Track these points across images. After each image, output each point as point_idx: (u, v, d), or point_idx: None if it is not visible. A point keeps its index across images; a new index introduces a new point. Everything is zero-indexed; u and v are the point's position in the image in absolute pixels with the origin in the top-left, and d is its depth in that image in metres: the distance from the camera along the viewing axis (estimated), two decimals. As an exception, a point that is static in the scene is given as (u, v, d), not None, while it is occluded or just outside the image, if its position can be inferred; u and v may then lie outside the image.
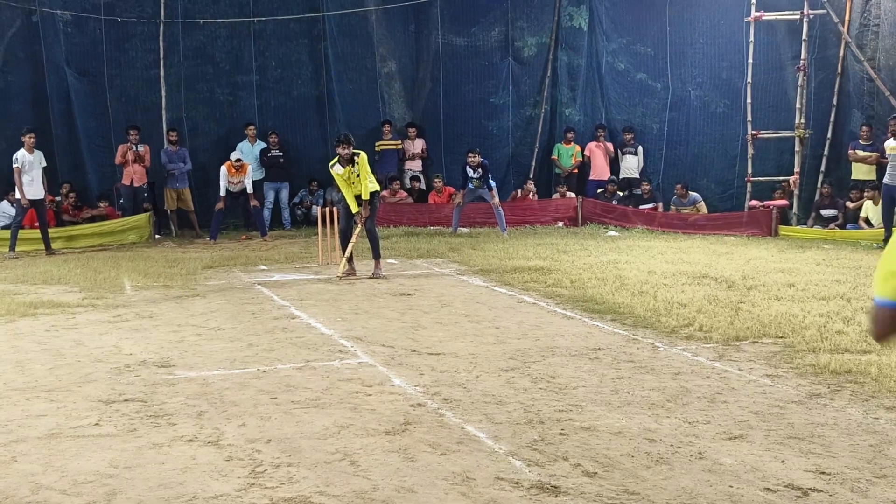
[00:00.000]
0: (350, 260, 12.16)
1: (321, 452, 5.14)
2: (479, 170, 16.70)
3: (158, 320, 9.16)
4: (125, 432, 5.55)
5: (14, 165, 15.04)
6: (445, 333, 8.40)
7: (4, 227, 16.42)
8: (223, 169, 16.91)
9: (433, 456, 5.07)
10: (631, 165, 19.29)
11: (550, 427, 5.55)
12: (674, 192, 18.12)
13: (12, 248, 14.92)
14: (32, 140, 15.28)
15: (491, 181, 16.84)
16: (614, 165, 19.50)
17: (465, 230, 17.21)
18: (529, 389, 6.40)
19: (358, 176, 11.92)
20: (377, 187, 12.40)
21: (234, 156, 17.23)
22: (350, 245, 12.06)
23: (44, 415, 5.93)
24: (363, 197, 11.99)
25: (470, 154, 16.84)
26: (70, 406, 6.12)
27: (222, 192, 16.91)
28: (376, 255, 12.17)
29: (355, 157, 11.90)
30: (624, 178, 19.21)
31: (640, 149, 19.31)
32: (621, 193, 18.94)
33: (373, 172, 17.76)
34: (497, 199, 16.89)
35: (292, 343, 8.04)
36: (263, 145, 18.63)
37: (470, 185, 16.91)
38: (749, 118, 17.93)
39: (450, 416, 5.79)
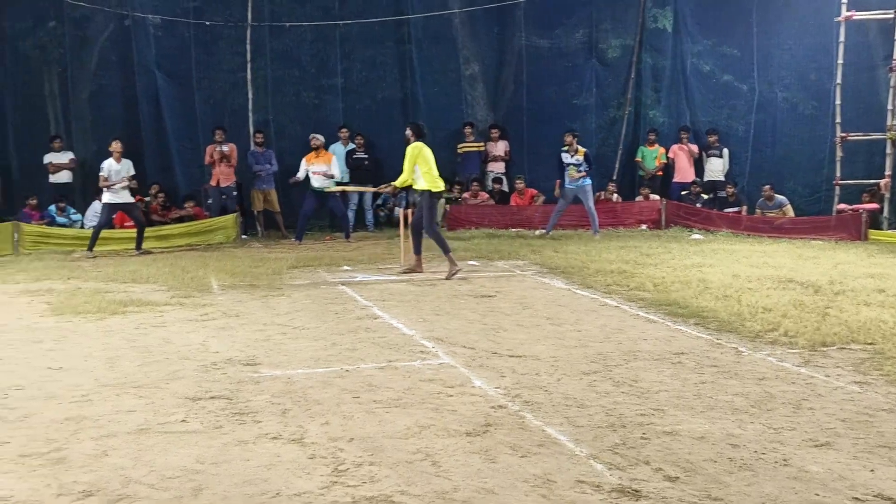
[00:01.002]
0: (418, 252, 12.58)
1: (402, 452, 5.18)
2: (583, 159, 16.64)
3: (244, 319, 9.31)
4: (211, 429, 5.66)
5: (101, 174, 15.37)
6: (527, 336, 8.40)
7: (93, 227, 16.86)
8: (303, 160, 17.15)
9: (514, 458, 5.08)
10: (715, 168, 19.07)
11: (632, 431, 5.52)
12: (760, 195, 17.86)
13: (90, 247, 15.25)
14: (120, 148, 15.59)
15: (588, 181, 16.77)
16: (698, 168, 19.29)
17: (539, 233, 17.13)
18: (611, 393, 6.37)
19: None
20: (433, 188, 12.51)
21: (312, 136, 17.38)
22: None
23: (133, 410, 6.06)
24: (397, 185, 12.87)
25: (567, 136, 16.78)
26: (158, 402, 6.25)
27: (300, 175, 17.17)
28: (445, 252, 12.27)
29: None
30: (708, 181, 18.99)
31: (726, 151, 19.07)
32: (706, 196, 18.71)
33: (455, 174, 17.95)
34: (592, 203, 16.85)
35: (375, 343, 8.11)
36: (353, 146, 18.82)
37: (566, 183, 16.81)
38: (838, 120, 17.62)
39: (531, 418, 5.80)
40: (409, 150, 12.35)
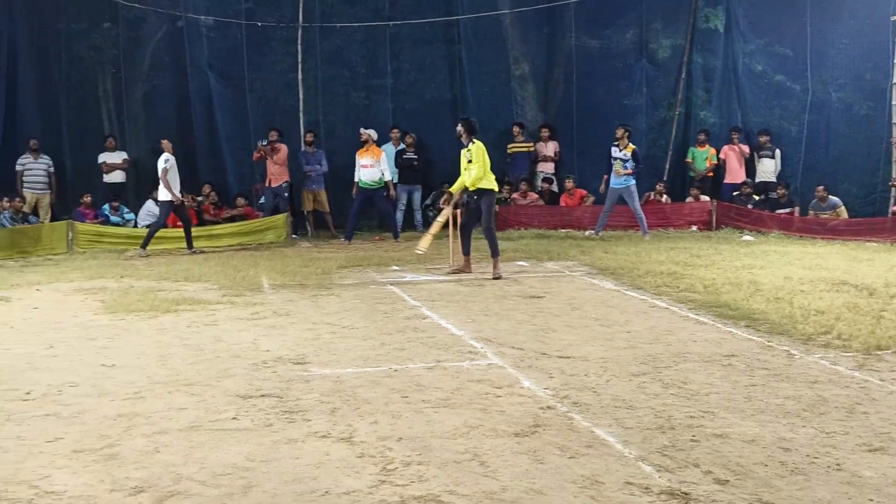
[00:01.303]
0: (467, 252, 12.55)
1: (451, 452, 5.19)
2: (630, 156, 16.56)
3: (294, 318, 9.37)
4: (262, 427, 5.70)
5: (164, 166, 15.53)
6: (576, 337, 8.38)
7: (147, 226, 17.06)
8: (356, 157, 17.24)
9: (562, 459, 5.07)
10: (767, 169, 18.85)
11: (681, 433, 5.49)
12: (813, 196, 17.65)
13: (144, 245, 15.40)
14: (170, 144, 15.83)
15: (633, 181, 16.69)
16: (750, 169, 19.09)
17: (588, 233, 17.08)
18: (660, 395, 6.34)
19: (469, 162, 12.20)
20: (496, 187, 12.58)
21: (361, 130, 17.47)
22: (431, 234, 12.71)
23: (185, 408, 6.13)
24: (467, 184, 12.32)
25: (618, 129, 16.73)
26: (209, 400, 6.32)
27: (356, 178, 17.23)
28: (494, 255, 12.25)
29: (471, 144, 12.31)
30: (760, 182, 18.79)
31: (778, 152, 18.85)
32: (757, 197, 18.53)
33: (504, 174, 17.92)
34: (638, 204, 16.77)
35: (423, 343, 8.13)
36: (403, 147, 18.88)
37: (612, 181, 16.74)
38: (894, 120, 17.36)
39: (579, 419, 5.78)
40: (478, 148, 12.26)
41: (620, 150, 16.65)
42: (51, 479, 4.83)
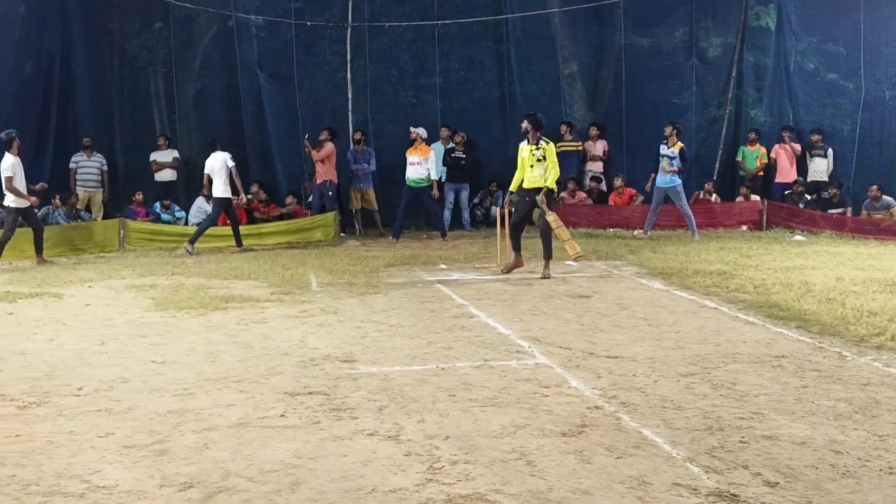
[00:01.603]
0: (518, 249, 12.36)
1: (497, 451, 5.19)
2: (677, 153, 16.46)
3: (342, 316, 9.41)
4: (309, 424, 5.73)
5: (232, 164, 15.73)
6: (624, 336, 8.34)
7: (198, 224, 17.23)
8: (406, 155, 17.32)
9: (609, 459, 5.05)
10: (819, 168, 18.60)
11: (730, 434, 5.45)
12: (865, 196, 17.43)
13: (193, 241, 15.48)
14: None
15: (678, 177, 16.57)
16: (802, 168, 18.87)
17: (637, 233, 17.00)
18: (709, 395, 6.29)
19: (539, 161, 12.10)
20: (556, 188, 12.46)
21: (413, 128, 17.54)
22: (561, 231, 12.31)
23: (233, 405, 6.18)
24: (549, 184, 12.15)
25: (667, 127, 16.64)
26: (258, 397, 6.36)
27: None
28: (547, 256, 12.20)
29: (541, 142, 12.16)
30: (812, 182, 18.56)
31: (830, 151, 18.60)
32: (808, 196, 18.32)
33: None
34: (685, 204, 16.65)
35: (470, 342, 8.13)
36: (452, 145, 18.88)
37: (658, 180, 16.65)
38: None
39: (627, 419, 5.76)
40: (552, 147, 12.18)
41: (668, 148, 16.55)
42: (102, 474, 4.89)
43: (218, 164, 15.71)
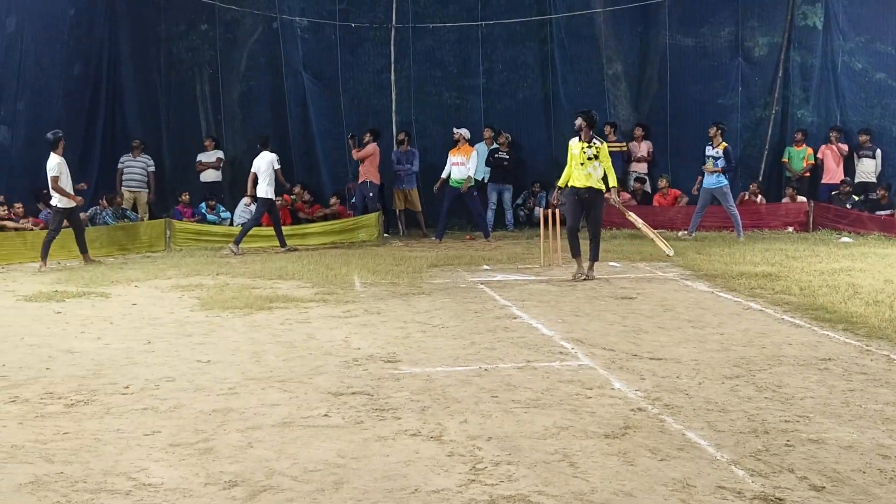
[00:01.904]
0: (578, 255, 12.08)
1: (540, 452, 5.19)
2: (721, 154, 16.34)
3: (385, 316, 9.44)
4: (352, 424, 5.76)
5: (278, 166, 15.87)
6: (668, 338, 8.30)
7: (242, 224, 17.37)
8: (449, 155, 17.35)
9: (653, 461, 5.03)
10: (867, 169, 18.37)
11: (775, 437, 5.40)
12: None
13: (237, 241, 15.64)
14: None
15: (725, 178, 16.46)
16: (849, 168, 18.65)
17: (682, 234, 16.90)
18: (754, 398, 6.25)
19: (590, 159, 11.84)
20: (603, 187, 12.23)
21: (456, 129, 17.59)
22: (647, 228, 12.45)
23: (277, 404, 6.22)
24: (611, 183, 12.10)
25: (711, 127, 16.53)
26: (302, 397, 6.40)
27: (444, 175, 17.31)
28: (594, 258, 12.12)
29: (594, 140, 11.93)
30: (860, 183, 18.35)
31: (879, 152, 18.37)
32: (856, 197, 18.11)
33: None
34: (732, 204, 16.51)
35: (513, 343, 8.13)
36: (496, 146, 18.87)
37: (704, 181, 16.54)
38: None
39: (671, 421, 5.73)
40: (604, 147, 11.94)
41: (713, 148, 16.45)
42: (148, 472, 4.95)
43: (265, 166, 15.84)
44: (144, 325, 9.17)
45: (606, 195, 12.15)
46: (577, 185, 11.96)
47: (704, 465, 4.97)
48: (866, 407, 6.01)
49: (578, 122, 12.07)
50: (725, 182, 16.57)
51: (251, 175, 16.17)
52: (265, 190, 15.82)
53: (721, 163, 16.39)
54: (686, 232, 16.86)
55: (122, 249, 15.78)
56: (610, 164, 12.09)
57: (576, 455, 5.13)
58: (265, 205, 15.94)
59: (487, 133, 19.01)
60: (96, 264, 14.08)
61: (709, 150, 16.53)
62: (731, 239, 16.24)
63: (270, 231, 16.32)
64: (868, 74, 18.99)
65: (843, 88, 19.11)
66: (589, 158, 11.86)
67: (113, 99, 18.61)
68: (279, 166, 15.92)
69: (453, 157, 17.26)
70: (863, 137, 18.36)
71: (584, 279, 11.84)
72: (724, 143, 16.51)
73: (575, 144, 12.03)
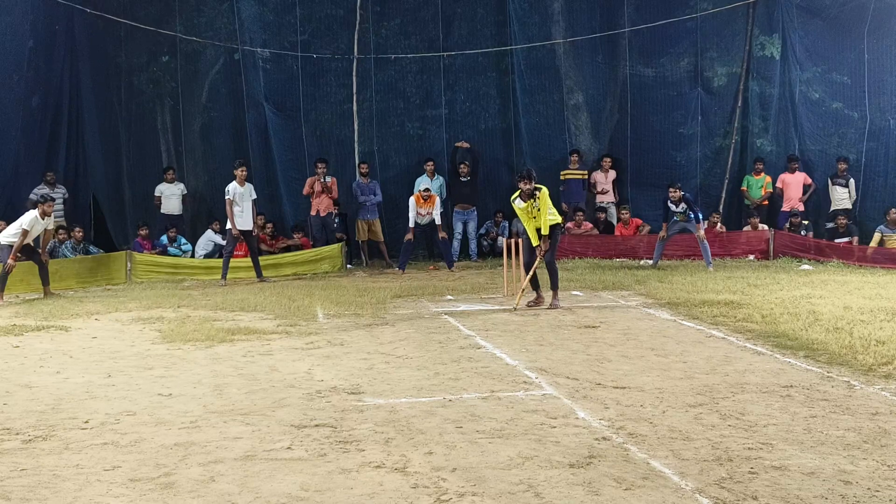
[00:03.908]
0: (536, 287, 12.31)
1: (505, 483, 5.17)
2: (683, 204, 16.52)
3: (349, 348, 9.40)
4: (316, 456, 5.72)
5: (226, 197, 15.81)
6: (631, 367, 8.32)
7: (208, 256, 17.28)
8: (412, 200, 17.25)
9: (618, 490, 5.02)
10: (839, 197, 18.57)
11: (739, 465, 5.42)
12: (870, 224, 17.39)
13: (224, 276, 15.71)
14: (244, 173, 16.05)
15: (698, 213, 16.62)
16: (824, 196, 18.81)
17: (645, 263, 17.02)
18: (717, 426, 6.27)
19: (539, 210, 12.01)
20: (559, 220, 12.44)
21: (421, 186, 17.60)
22: (528, 276, 12.22)
23: (240, 437, 6.17)
24: (543, 232, 12.08)
25: (671, 189, 16.67)
26: (264, 430, 6.35)
27: (411, 224, 17.21)
28: (554, 287, 12.23)
29: (536, 192, 12.00)
30: (833, 211, 18.51)
31: (852, 181, 18.50)
32: (805, 222, 18.36)
33: (558, 202, 17.88)
34: (702, 232, 16.62)
35: (478, 373, 8.11)
36: (440, 180, 18.88)
37: (675, 219, 16.70)
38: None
39: (635, 450, 5.73)
40: (543, 195, 11.97)
41: (677, 206, 16.60)
42: (108, 508, 4.88)
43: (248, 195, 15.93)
44: (105, 358, 9.07)
45: (538, 246, 12.26)
46: (545, 233, 12.13)
47: (669, 493, 4.97)
48: (828, 433, 6.05)
49: (528, 186, 12.04)
50: (699, 217, 16.76)
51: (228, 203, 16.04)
52: (230, 224, 15.80)
53: (690, 214, 16.54)
54: (650, 262, 16.93)
55: (81, 282, 15.64)
56: (547, 208, 12.12)
57: (541, 485, 5.11)
58: (231, 237, 15.91)
59: (430, 166, 18.89)
60: (56, 297, 13.93)
61: (673, 208, 16.65)
62: (693, 267, 16.36)
63: (239, 263, 16.28)
64: (825, 104, 19.27)
65: (801, 118, 19.39)
66: (539, 210, 12.06)
67: (73, 131, 18.48)
68: (228, 196, 15.83)
69: (422, 209, 17.24)
70: (841, 166, 18.54)
71: (549, 308, 11.89)
72: (679, 193, 16.64)
73: (521, 206, 12.16)
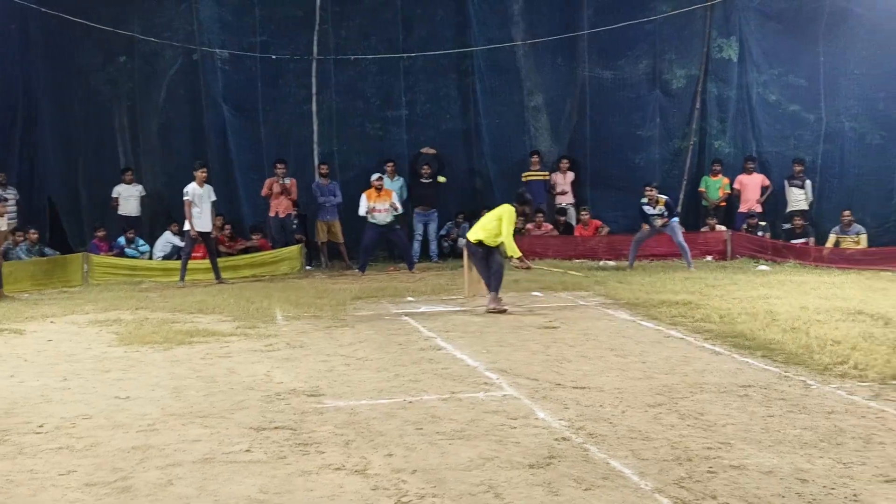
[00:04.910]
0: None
1: (466, 484, 5.16)
2: (664, 208, 16.56)
3: (308, 350, 9.36)
4: (275, 459, 5.68)
5: (185, 198, 15.68)
6: (591, 367, 8.34)
7: (166, 257, 17.15)
8: (363, 196, 17.14)
9: (578, 491, 5.03)
10: (795, 198, 18.73)
11: (698, 464, 5.45)
12: (827, 225, 17.59)
13: (182, 277, 15.58)
14: (204, 174, 15.94)
15: (675, 218, 16.69)
16: (780, 197, 18.96)
17: (611, 263, 17.11)
18: (677, 426, 6.30)
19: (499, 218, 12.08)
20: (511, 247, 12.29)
21: (374, 176, 17.54)
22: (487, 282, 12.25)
23: (198, 440, 6.12)
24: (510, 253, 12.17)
25: (647, 188, 16.70)
26: (223, 432, 6.30)
27: (361, 213, 17.13)
28: (494, 289, 12.03)
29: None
30: (789, 212, 18.68)
31: (808, 183, 18.67)
32: (763, 223, 18.52)
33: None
34: (681, 237, 16.67)
35: (438, 374, 8.10)
36: (401, 181, 18.86)
37: (654, 223, 16.71)
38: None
39: (595, 450, 5.74)
40: (508, 215, 12.03)
41: (654, 208, 16.64)
42: (64, 512, 4.82)
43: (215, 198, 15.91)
44: (60, 361, 8.96)
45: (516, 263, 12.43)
46: (482, 240, 12.26)
47: (629, 493, 4.98)
48: (785, 432, 6.09)
49: (528, 209, 12.55)
50: (675, 218, 16.83)
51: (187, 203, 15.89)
52: (187, 223, 15.70)
53: (666, 214, 16.60)
54: (628, 264, 16.94)
55: (37, 285, 15.46)
56: (509, 228, 12.11)
57: (501, 486, 5.11)
58: (189, 238, 15.81)
59: (390, 166, 18.85)
60: (10, 300, 13.76)
61: (649, 210, 16.66)
62: (651, 268, 16.45)
63: (197, 265, 16.17)
64: (782, 106, 19.46)
65: (759, 120, 19.56)
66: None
67: (28, 131, 18.27)
68: (187, 197, 15.72)
69: (377, 205, 17.08)
70: (797, 167, 18.69)
71: (487, 311, 11.76)
72: (664, 198, 16.73)
73: (511, 218, 12.18)
